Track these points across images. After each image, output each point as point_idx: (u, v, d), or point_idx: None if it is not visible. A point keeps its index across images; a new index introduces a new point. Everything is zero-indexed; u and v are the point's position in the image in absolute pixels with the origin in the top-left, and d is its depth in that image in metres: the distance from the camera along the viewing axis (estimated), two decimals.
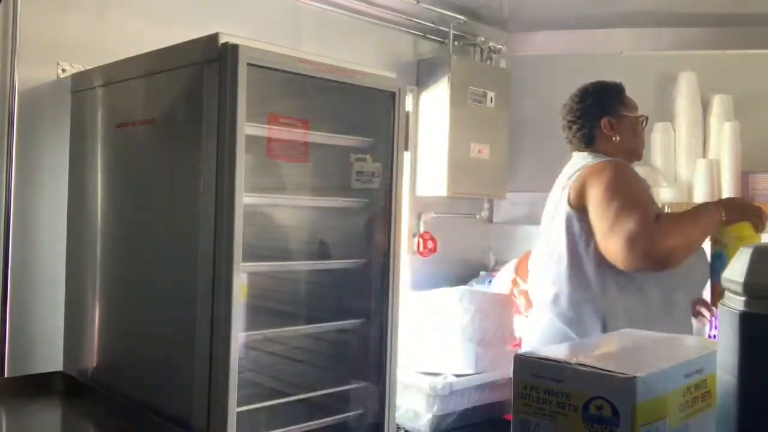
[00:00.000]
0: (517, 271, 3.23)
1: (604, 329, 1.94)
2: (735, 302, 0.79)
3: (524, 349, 2.01)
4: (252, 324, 1.82)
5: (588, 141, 2.23)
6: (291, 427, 1.80)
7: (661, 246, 1.83)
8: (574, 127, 2.26)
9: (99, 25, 2.31)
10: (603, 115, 2.20)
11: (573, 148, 2.29)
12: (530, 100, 3.75)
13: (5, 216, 2.11)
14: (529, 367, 0.90)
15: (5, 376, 2.07)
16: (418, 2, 3.18)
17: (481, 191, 3.58)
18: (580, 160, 2.17)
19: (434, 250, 3.51)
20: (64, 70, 2.22)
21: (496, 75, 3.59)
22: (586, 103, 2.25)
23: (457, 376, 2.58)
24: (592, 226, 1.96)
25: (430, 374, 2.59)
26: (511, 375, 0.93)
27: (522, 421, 0.90)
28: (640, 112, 2.26)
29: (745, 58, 3.38)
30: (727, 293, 0.81)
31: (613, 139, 2.19)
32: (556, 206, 2.11)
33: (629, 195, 1.94)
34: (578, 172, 2.08)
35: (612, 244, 1.88)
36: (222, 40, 1.59)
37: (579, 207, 2.02)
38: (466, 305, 2.67)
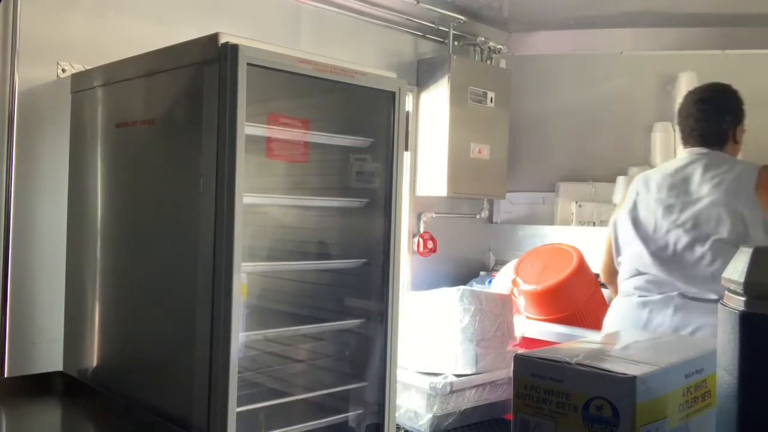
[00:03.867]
0: (517, 271, 3.23)
1: None
2: (735, 302, 0.79)
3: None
4: (252, 324, 1.82)
5: (721, 140, 2.27)
6: (291, 427, 1.80)
7: None
8: (713, 122, 2.27)
9: (99, 25, 2.31)
10: (738, 120, 2.29)
11: (698, 142, 2.28)
12: (530, 100, 3.76)
13: (5, 216, 2.11)
14: (529, 367, 0.90)
15: (5, 376, 2.07)
16: (418, 2, 3.17)
17: (481, 191, 3.58)
18: (733, 160, 2.21)
19: (434, 250, 3.51)
20: (64, 70, 2.22)
21: (496, 75, 3.59)
22: (733, 104, 2.30)
23: (457, 376, 2.58)
24: None
25: (430, 374, 2.59)
26: (511, 375, 0.93)
27: (522, 421, 0.90)
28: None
29: (745, 58, 3.38)
30: (727, 293, 0.81)
31: (738, 146, 2.29)
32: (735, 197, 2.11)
33: None
34: (756, 172, 2.12)
35: None
36: (222, 40, 1.59)
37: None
38: (466, 305, 2.67)
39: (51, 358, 2.14)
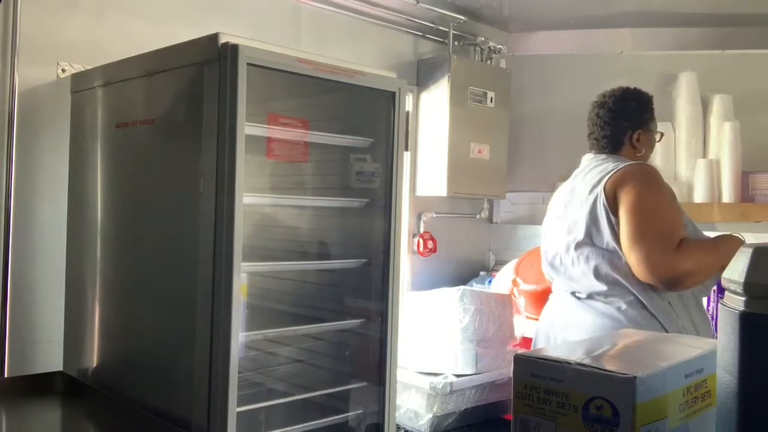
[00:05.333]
0: (517, 271, 3.23)
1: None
2: (735, 302, 0.78)
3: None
4: (252, 324, 1.82)
5: (615, 146, 2.30)
6: (291, 427, 1.80)
7: (677, 270, 1.99)
8: (607, 129, 2.30)
9: (99, 25, 2.31)
10: (637, 126, 2.28)
11: (595, 147, 2.34)
12: (530, 100, 3.76)
13: (5, 216, 2.11)
14: (529, 367, 0.90)
15: (5, 376, 2.07)
16: (418, 2, 3.17)
17: (481, 191, 3.58)
18: (608, 162, 2.22)
19: (434, 250, 3.51)
20: (64, 70, 2.22)
21: (496, 75, 3.59)
22: (626, 108, 2.30)
23: (457, 376, 2.58)
24: (621, 229, 2.06)
25: (430, 374, 2.59)
26: (511, 375, 0.93)
27: (522, 421, 0.90)
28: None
29: (745, 58, 3.37)
30: (727, 293, 0.81)
31: (637, 152, 2.28)
32: (586, 200, 2.17)
33: (657, 210, 2.06)
34: (612, 173, 2.13)
35: (632, 256, 2.02)
36: (222, 40, 1.59)
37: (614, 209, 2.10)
38: (466, 305, 2.67)
39: (51, 358, 2.14)
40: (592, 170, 2.24)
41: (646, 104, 2.32)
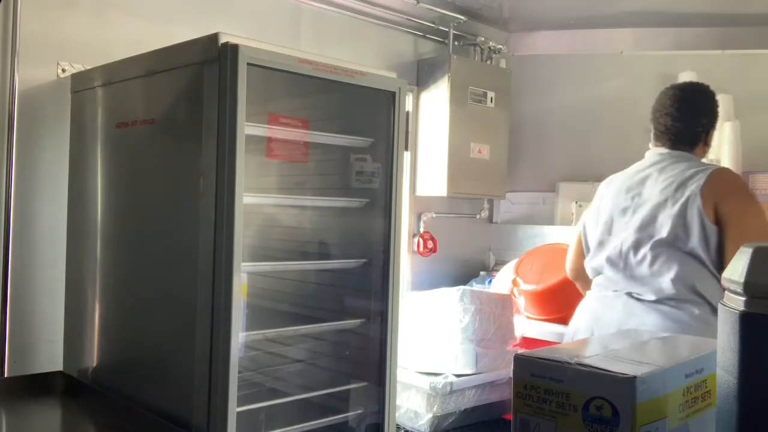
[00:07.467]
0: (517, 271, 3.23)
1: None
2: (735, 302, 0.78)
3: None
4: (252, 324, 1.82)
5: (692, 143, 2.25)
6: (291, 427, 1.80)
7: None
8: (687, 124, 2.24)
9: (99, 25, 2.31)
10: (712, 123, 2.26)
11: (666, 142, 2.27)
12: (530, 100, 3.76)
13: (5, 216, 2.11)
14: (528, 367, 0.90)
15: (5, 376, 2.07)
16: (418, 2, 3.17)
17: (481, 191, 3.58)
18: (690, 161, 2.19)
19: (434, 250, 3.51)
20: (64, 70, 2.22)
21: (496, 75, 3.59)
22: (706, 104, 2.26)
23: (457, 376, 2.58)
24: (729, 240, 2.02)
25: (430, 374, 2.59)
26: (511, 375, 0.93)
27: (522, 421, 0.90)
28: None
29: (745, 58, 3.38)
30: (727, 293, 0.81)
31: (706, 150, 2.27)
32: (672, 199, 2.11)
33: (763, 223, 2.06)
34: (706, 176, 2.09)
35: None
36: (222, 40, 1.59)
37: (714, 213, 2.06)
38: (466, 305, 2.66)
39: (51, 358, 2.14)
40: (670, 167, 2.18)
41: (717, 102, 2.28)
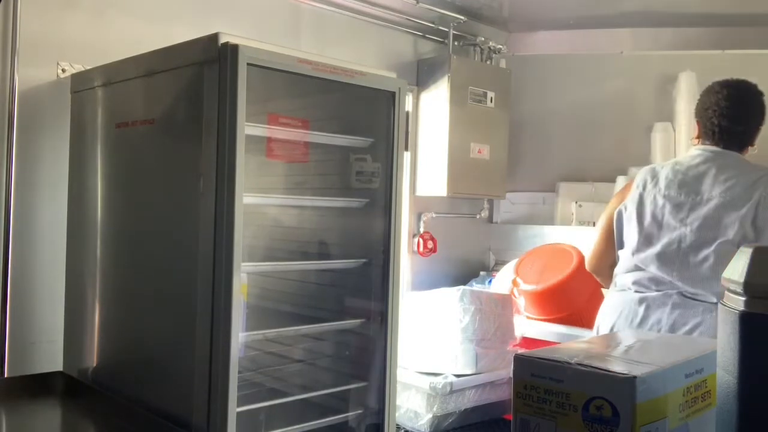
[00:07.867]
0: (517, 271, 3.23)
1: None
2: (735, 302, 0.78)
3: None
4: (252, 324, 1.82)
5: (743, 144, 2.23)
6: (291, 427, 1.80)
7: None
8: (743, 124, 2.21)
9: (99, 25, 2.31)
10: (761, 125, 2.23)
11: (719, 141, 2.22)
12: (530, 100, 3.76)
13: (5, 216, 2.11)
14: (528, 367, 0.90)
15: (5, 376, 2.07)
16: (418, 2, 3.17)
17: (481, 191, 3.58)
18: (745, 162, 2.18)
19: (434, 250, 3.51)
20: (64, 70, 2.22)
21: (496, 75, 3.59)
22: (763, 108, 2.24)
23: (457, 376, 2.58)
24: None
25: (430, 374, 2.59)
26: (511, 375, 0.93)
27: (522, 421, 0.90)
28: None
29: (745, 58, 3.37)
30: (727, 293, 0.81)
31: (752, 151, 2.23)
32: (740, 201, 2.09)
33: None
34: None
35: None
36: (222, 40, 1.59)
37: None
38: (466, 305, 2.67)
39: (51, 358, 2.14)
40: (728, 168, 2.15)
41: (764, 102, 2.26)
